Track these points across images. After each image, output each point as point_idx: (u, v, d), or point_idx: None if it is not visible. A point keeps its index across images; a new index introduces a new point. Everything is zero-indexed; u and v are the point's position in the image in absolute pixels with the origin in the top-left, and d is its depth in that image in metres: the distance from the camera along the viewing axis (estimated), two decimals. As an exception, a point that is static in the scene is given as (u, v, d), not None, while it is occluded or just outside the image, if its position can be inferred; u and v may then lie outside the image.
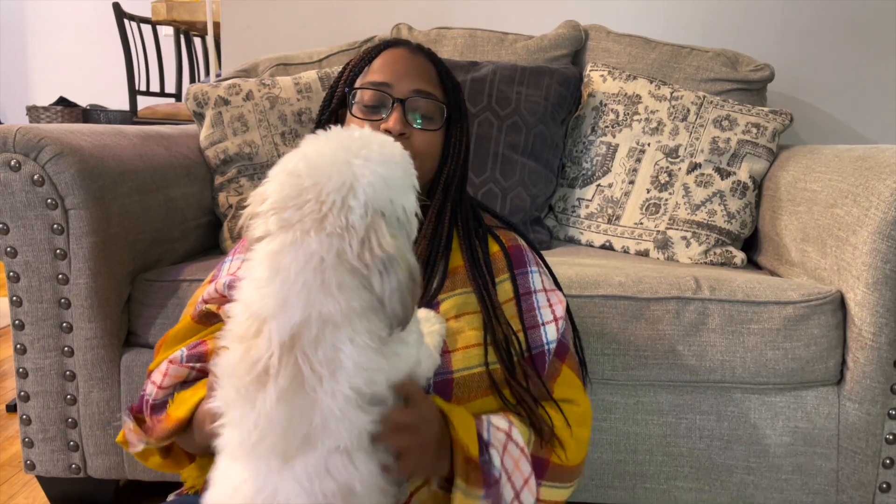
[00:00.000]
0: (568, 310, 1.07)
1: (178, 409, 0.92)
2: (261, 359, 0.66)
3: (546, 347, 0.98)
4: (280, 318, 0.66)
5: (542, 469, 0.90)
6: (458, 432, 0.83)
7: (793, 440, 1.33)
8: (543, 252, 1.73)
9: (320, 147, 0.71)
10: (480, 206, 1.11)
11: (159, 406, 0.96)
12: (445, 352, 0.93)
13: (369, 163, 0.69)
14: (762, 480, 1.35)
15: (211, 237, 1.81)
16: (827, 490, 1.34)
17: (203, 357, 0.97)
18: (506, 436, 0.87)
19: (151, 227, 1.54)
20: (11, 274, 1.39)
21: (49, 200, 1.35)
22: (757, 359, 1.31)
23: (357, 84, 1.00)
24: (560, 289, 1.07)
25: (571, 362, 1.02)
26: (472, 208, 1.06)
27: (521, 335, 0.97)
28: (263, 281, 0.67)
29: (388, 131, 0.94)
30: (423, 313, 0.91)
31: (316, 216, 0.66)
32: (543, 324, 0.99)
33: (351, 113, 1.00)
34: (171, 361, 0.97)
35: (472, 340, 0.94)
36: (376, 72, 0.99)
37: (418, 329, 0.81)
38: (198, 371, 0.97)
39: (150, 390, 0.98)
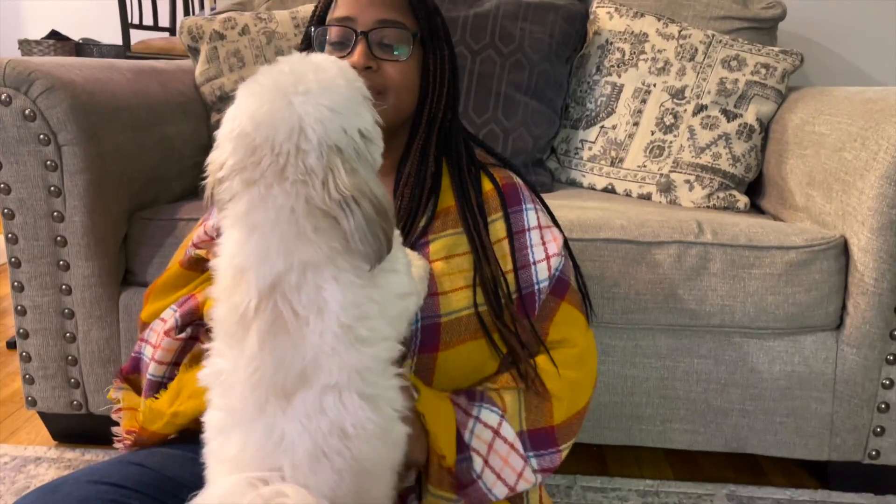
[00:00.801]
0: (567, 246, 1.04)
1: (156, 423, 0.92)
2: (240, 305, 0.66)
3: (536, 287, 0.95)
4: (260, 267, 0.66)
5: (548, 438, 0.89)
6: (435, 438, 0.82)
7: (789, 384, 1.34)
8: (544, 195, 1.72)
9: (257, 96, 0.68)
10: (475, 140, 1.06)
11: (155, 385, 0.96)
12: (434, 294, 0.91)
13: (310, 97, 0.66)
14: (757, 423, 1.36)
15: (208, 176, 1.78)
16: (821, 433, 1.35)
17: (194, 312, 0.96)
18: (493, 433, 0.86)
19: (147, 164, 1.52)
20: (6, 211, 1.37)
21: (41, 136, 1.32)
22: (757, 303, 1.30)
23: (326, 21, 0.96)
24: (558, 226, 1.04)
25: (573, 297, 0.99)
26: (465, 144, 1.02)
27: (510, 276, 0.95)
28: (242, 239, 0.67)
29: (353, 66, 0.91)
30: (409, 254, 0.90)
31: (275, 168, 0.65)
32: (535, 262, 0.96)
33: (320, 52, 0.95)
34: (166, 332, 0.95)
35: (460, 282, 0.92)
36: (341, 6, 0.95)
37: (405, 257, 0.80)
38: (189, 338, 0.96)
39: (148, 352, 0.97)
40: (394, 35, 0.93)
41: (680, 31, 1.80)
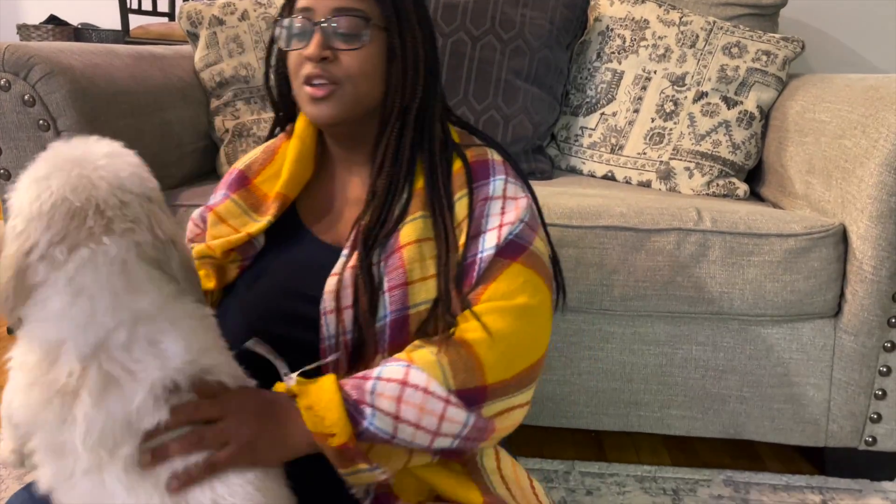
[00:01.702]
0: (542, 221, 0.97)
1: None
2: (59, 380, 0.66)
3: (479, 255, 0.88)
4: (82, 334, 0.66)
5: (479, 397, 0.82)
6: (316, 418, 0.77)
7: (787, 371, 1.35)
8: (544, 182, 1.72)
9: (58, 171, 0.69)
10: (459, 123, 1.02)
11: None
12: (402, 284, 0.86)
13: (113, 157, 0.72)
14: (754, 410, 1.37)
15: (208, 162, 1.78)
16: (818, 419, 1.36)
17: None
18: (400, 385, 0.79)
19: (147, 151, 1.49)
20: (6, 197, 1.37)
21: (41, 122, 1.32)
22: (756, 291, 1.31)
23: (294, 10, 0.93)
24: (535, 199, 0.97)
25: (529, 260, 0.89)
26: (443, 128, 0.97)
27: (463, 246, 0.89)
28: (61, 309, 0.66)
29: (309, 58, 0.88)
30: None
31: (101, 223, 0.67)
32: (485, 231, 0.89)
33: (286, 48, 0.93)
34: None
35: (430, 270, 0.88)
36: None
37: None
38: None
39: None
40: (347, 23, 0.89)
41: (681, 18, 1.80)
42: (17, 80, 1.30)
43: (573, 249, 1.32)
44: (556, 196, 1.41)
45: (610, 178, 1.78)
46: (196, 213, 1.05)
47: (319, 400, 0.78)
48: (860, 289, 1.28)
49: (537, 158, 1.79)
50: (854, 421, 1.35)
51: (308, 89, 0.89)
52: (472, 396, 0.81)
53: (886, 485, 1.39)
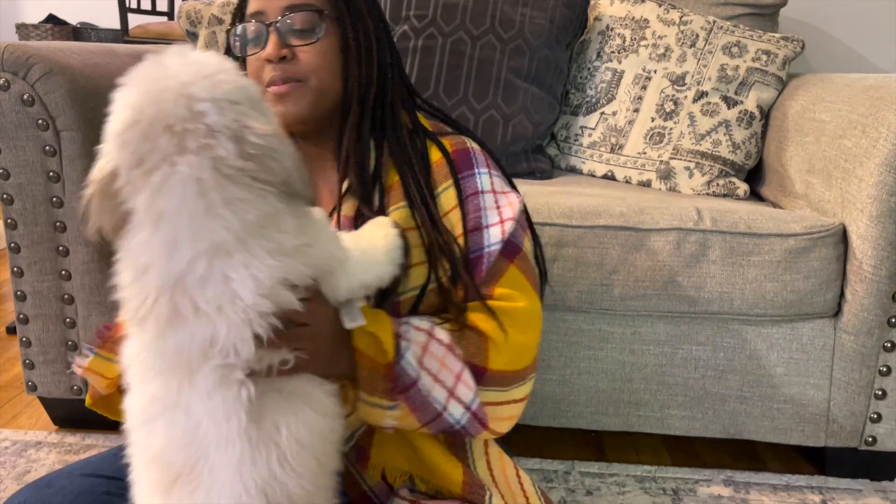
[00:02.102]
0: (528, 217, 0.99)
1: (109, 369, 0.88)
2: (138, 300, 0.64)
3: (486, 250, 0.90)
4: (165, 263, 0.62)
5: (478, 376, 0.84)
6: (372, 336, 0.78)
7: (787, 371, 1.35)
8: (544, 181, 1.72)
9: (131, 89, 0.64)
10: (430, 110, 1.02)
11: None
12: None
13: (179, 65, 0.63)
14: (754, 409, 1.37)
15: (207, 161, 1.78)
16: (818, 419, 1.36)
17: None
18: (427, 335, 0.82)
19: (146, 150, 1.51)
20: (5, 196, 1.37)
21: (40, 121, 1.32)
22: (756, 290, 1.31)
23: (246, 16, 0.93)
24: (516, 191, 0.98)
25: (521, 264, 0.93)
26: (410, 116, 0.98)
27: (461, 239, 0.91)
28: (146, 237, 0.63)
29: (268, 60, 0.89)
30: (374, 220, 0.86)
31: (175, 143, 0.60)
32: (488, 226, 0.91)
33: (242, 55, 0.93)
34: None
35: (416, 258, 0.89)
36: (252, 3, 0.92)
37: (329, 229, 0.76)
38: None
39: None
40: (301, 19, 0.90)
41: (681, 17, 1.79)
42: (16, 80, 1.30)
43: (573, 249, 1.32)
44: (555, 196, 1.41)
45: (610, 177, 1.78)
46: None
47: (373, 320, 0.80)
48: (860, 288, 1.27)
49: (537, 158, 1.79)
50: (854, 421, 1.35)
51: (272, 89, 0.89)
52: (473, 370, 0.83)
53: (887, 484, 1.39)
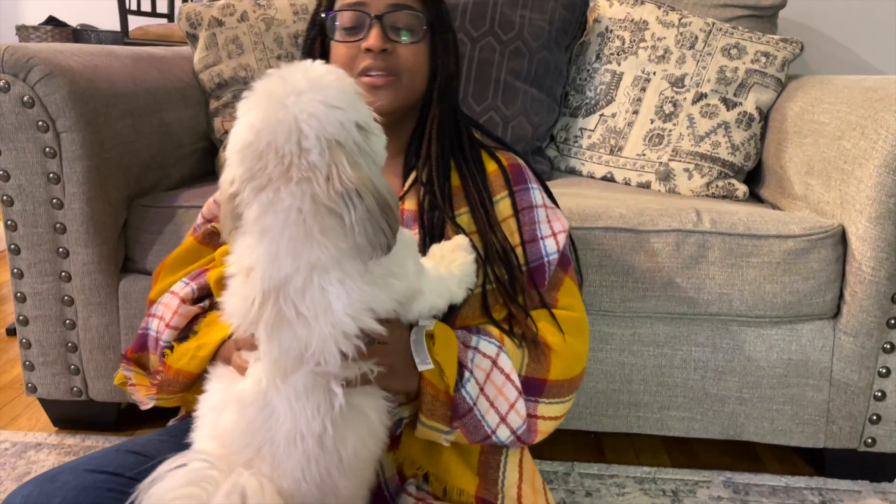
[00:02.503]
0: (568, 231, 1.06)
1: (181, 360, 0.91)
2: (248, 298, 0.71)
3: (546, 259, 0.98)
4: (267, 269, 0.68)
5: (539, 388, 0.90)
6: (438, 367, 0.84)
7: (786, 372, 1.35)
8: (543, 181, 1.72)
9: (254, 107, 0.69)
10: (475, 124, 1.08)
11: (166, 346, 0.95)
12: None
13: (302, 96, 0.68)
14: (753, 410, 1.37)
15: (207, 163, 1.78)
16: (817, 420, 1.36)
17: (205, 287, 0.96)
18: (491, 363, 0.87)
19: (146, 151, 1.51)
20: (5, 198, 1.37)
21: (40, 123, 1.32)
22: (755, 292, 1.31)
23: (336, 7, 0.97)
24: (557, 205, 1.07)
25: (573, 274, 1.02)
26: (465, 126, 1.04)
27: (518, 250, 0.97)
28: (253, 244, 0.70)
29: (368, 50, 0.93)
30: (454, 242, 0.91)
31: (281, 170, 0.67)
32: (543, 237, 0.98)
33: (332, 38, 0.97)
34: (182, 300, 0.95)
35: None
36: None
37: (416, 260, 0.82)
38: (206, 309, 0.96)
39: (157, 326, 0.97)
40: (406, 18, 0.95)
41: (680, 19, 1.80)
42: (16, 82, 1.30)
43: (569, 241, 1.32)
44: (556, 197, 1.41)
45: (609, 179, 1.78)
46: (218, 193, 1.05)
47: (443, 351, 0.85)
48: (859, 290, 1.28)
49: (536, 160, 1.79)
50: (853, 422, 1.35)
51: (366, 79, 0.94)
52: (534, 385, 0.89)
53: (886, 486, 1.39)
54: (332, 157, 0.67)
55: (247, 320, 0.72)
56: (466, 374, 0.86)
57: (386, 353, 0.77)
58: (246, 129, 0.68)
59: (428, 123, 0.99)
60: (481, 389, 0.86)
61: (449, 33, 1.01)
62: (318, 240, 0.68)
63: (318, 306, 0.68)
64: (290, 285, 0.68)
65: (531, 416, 0.90)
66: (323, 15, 0.98)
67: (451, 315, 0.91)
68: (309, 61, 0.73)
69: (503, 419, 0.87)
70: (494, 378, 0.87)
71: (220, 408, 0.76)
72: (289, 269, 0.68)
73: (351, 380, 0.74)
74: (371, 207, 0.67)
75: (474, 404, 0.86)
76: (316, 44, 1.01)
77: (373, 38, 0.92)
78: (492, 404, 0.87)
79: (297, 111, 0.67)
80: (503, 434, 0.88)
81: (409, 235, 0.83)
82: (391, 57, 0.94)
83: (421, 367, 0.82)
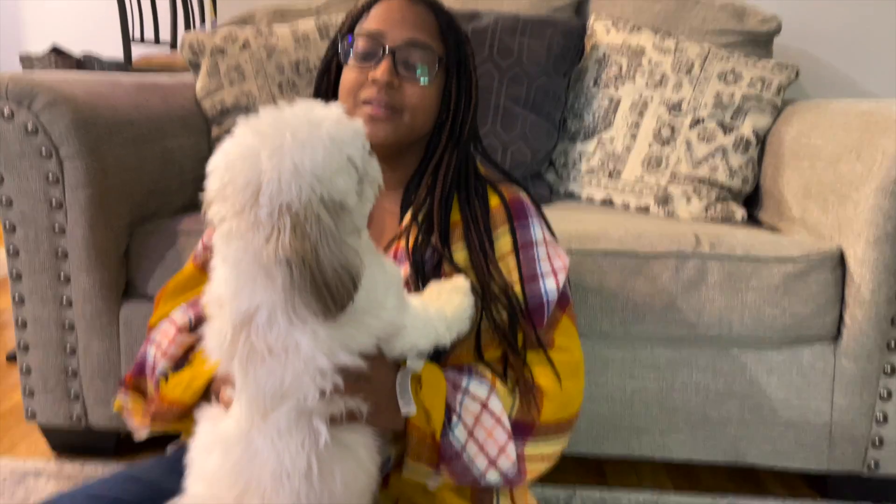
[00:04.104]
0: None
1: (175, 390, 0.90)
2: (220, 333, 0.70)
3: (545, 299, 0.95)
4: (232, 301, 0.68)
5: (527, 431, 0.88)
6: (425, 412, 0.82)
7: (787, 395, 1.34)
8: (543, 207, 1.73)
9: (238, 138, 0.69)
10: (484, 156, 1.07)
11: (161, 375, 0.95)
12: None
13: (278, 154, 0.65)
14: (756, 434, 1.37)
15: (208, 189, 1.79)
16: (819, 444, 1.36)
17: (201, 316, 0.96)
18: (481, 406, 0.85)
19: (148, 178, 1.53)
20: (7, 224, 1.38)
21: (43, 150, 1.33)
22: (755, 315, 1.31)
23: (356, 31, 0.98)
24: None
25: (571, 312, 1.00)
26: (472, 161, 1.03)
27: (517, 287, 0.95)
28: (222, 273, 0.70)
29: (375, 81, 0.92)
30: (453, 282, 0.89)
31: (255, 209, 0.65)
32: (542, 275, 0.96)
33: (345, 63, 0.97)
34: (179, 329, 0.95)
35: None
36: (372, 20, 0.96)
37: (399, 296, 0.79)
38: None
39: (153, 354, 0.97)
40: (420, 56, 0.94)
41: (676, 45, 1.82)
42: (20, 110, 1.31)
43: (572, 274, 1.32)
44: (554, 221, 1.40)
45: (608, 203, 1.79)
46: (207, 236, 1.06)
47: (429, 394, 0.82)
48: (859, 313, 1.28)
49: (536, 184, 1.80)
50: (856, 446, 1.34)
51: (367, 108, 0.93)
52: (523, 428, 0.87)
53: (890, 510, 1.38)
54: (279, 221, 0.64)
55: (224, 355, 0.71)
56: (455, 417, 0.84)
57: (370, 390, 0.75)
58: (221, 155, 0.68)
59: (432, 165, 0.98)
60: (470, 433, 0.84)
61: (470, 78, 0.99)
62: (268, 284, 0.66)
63: (286, 343, 0.67)
64: (256, 320, 0.67)
65: (518, 457, 0.88)
66: (340, 37, 0.98)
67: (444, 355, 0.90)
68: (313, 104, 0.71)
69: (492, 463, 0.85)
70: (484, 421, 0.85)
71: (207, 450, 0.75)
72: (249, 305, 0.67)
73: (336, 417, 0.73)
74: (303, 280, 0.64)
75: (463, 448, 0.84)
76: (332, 65, 1.01)
77: (381, 71, 0.92)
78: (481, 448, 0.85)
79: (267, 166, 0.65)
80: (492, 477, 0.86)
81: (395, 271, 0.81)
82: (396, 92, 0.93)
83: (404, 411, 0.80)
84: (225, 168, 0.67)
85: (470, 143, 1.01)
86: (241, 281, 0.67)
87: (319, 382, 0.68)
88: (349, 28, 0.99)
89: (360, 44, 0.95)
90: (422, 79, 0.94)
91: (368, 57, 0.94)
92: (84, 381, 1.46)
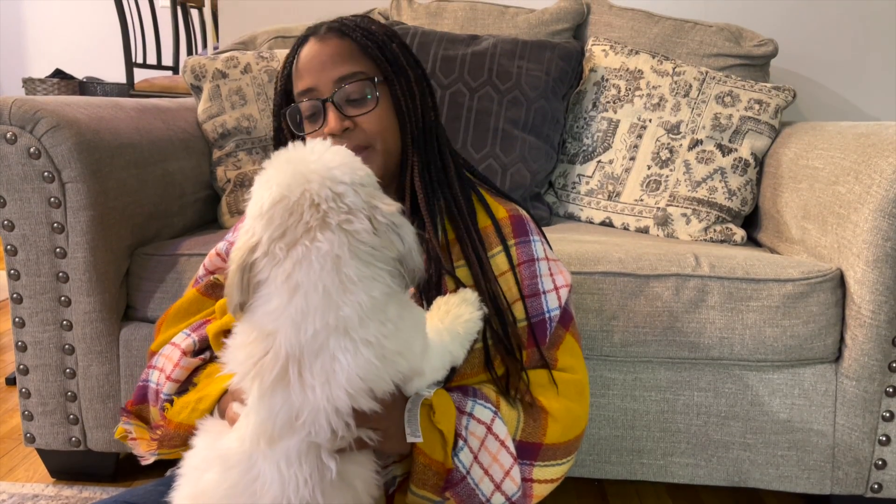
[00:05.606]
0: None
1: (182, 413, 0.90)
2: (253, 357, 0.70)
3: (547, 315, 0.95)
4: (292, 329, 0.67)
5: (533, 452, 0.88)
6: (434, 441, 0.82)
7: (790, 417, 1.34)
8: (542, 228, 1.73)
9: (277, 171, 0.71)
10: (481, 177, 1.06)
11: (166, 399, 0.95)
12: None
13: (322, 153, 0.72)
14: (758, 456, 1.36)
15: (209, 212, 1.80)
16: (822, 466, 1.35)
17: (206, 339, 0.96)
18: (486, 429, 0.85)
19: (149, 201, 1.53)
20: (9, 247, 1.38)
21: (46, 173, 1.34)
22: (756, 336, 1.31)
23: (295, 94, 0.97)
24: None
25: (575, 331, 1.00)
26: (457, 165, 1.01)
27: (518, 304, 0.95)
28: (279, 306, 0.68)
29: (332, 134, 0.91)
30: (460, 296, 0.89)
31: (318, 217, 0.68)
32: (545, 292, 0.96)
33: (298, 134, 0.96)
34: (183, 352, 0.95)
35: None
36: (300, 77, 0.95)
37: (424, 339, 0.81)
38: (206, 360, 0.96)
39: (157, 379, 0.97)
40: (355, 87, 0.92)
41: (674, 68, 1.84)
42: (23, 133, 1.32)
43: (572, 295, 1.32)
44: (554, 243, 1.41)
45: (608, 224, 1.79)
46: (220, 245, 1.06)
47: (440, 416, 0.82)
48: (860, 333, 1.28)
49: (535, 206, 1.81)
50: (859, 467, 1.33)
51: None
52: (529, 449, 0.87)
53: (895, 533, 1.37)
54: (368, 195, 0.70)
55: (246, 374, 0.71)
56: (460, 442, 0.84)
57: (380, 418, 0.75)
58: (272, 188, 0.69)
59: (407, 174, 0.96)
60: (475, 458, 0.84)
61: (408, 73, 0.96)
62: (353, 289, 0.67)
63: (324, 374, 0.67)
64: (308, 347, 0.67)
65: (526, 480, 0.88)
66: (284, 112, 0.97)
67: (450, 375, 0.90)
68: (310, 141, 0.76)
69: (498, 487, 0.85)
70: (489, 445, 0.85)
71: (203, 467, 0.74)
72: (318, 326, 0.67)
73: (344, 446, 0.73)
74: (413, 234, 0.70)
75: (468, 473, 0.84)
76: (284, 135, 0.99)
77: (330, 125, 0.91)
78: (486, 472, 0.85)
79: (327, 160, 0.70)
80: (497, 501, 0.86)
81: (421, 314, 0.82)
82: (356, 132, 0.92)
83: (410, 439, 0.80)
84: (288, 188, 0.69)
85: (434, 139, 0.99)
86: (316, 300, 0.67)
87: (334, 422, 0.69)
88: (283, 97, 0.98)
89: (303, 107, 0.94)
90: (369, 106, 0.93)
91: (314, 117, 0.94)
92: (83, 403, 1.45)
